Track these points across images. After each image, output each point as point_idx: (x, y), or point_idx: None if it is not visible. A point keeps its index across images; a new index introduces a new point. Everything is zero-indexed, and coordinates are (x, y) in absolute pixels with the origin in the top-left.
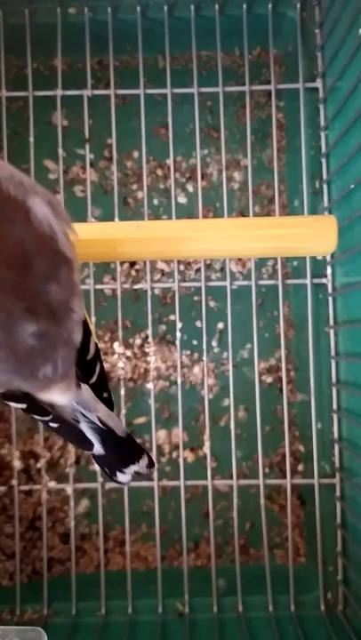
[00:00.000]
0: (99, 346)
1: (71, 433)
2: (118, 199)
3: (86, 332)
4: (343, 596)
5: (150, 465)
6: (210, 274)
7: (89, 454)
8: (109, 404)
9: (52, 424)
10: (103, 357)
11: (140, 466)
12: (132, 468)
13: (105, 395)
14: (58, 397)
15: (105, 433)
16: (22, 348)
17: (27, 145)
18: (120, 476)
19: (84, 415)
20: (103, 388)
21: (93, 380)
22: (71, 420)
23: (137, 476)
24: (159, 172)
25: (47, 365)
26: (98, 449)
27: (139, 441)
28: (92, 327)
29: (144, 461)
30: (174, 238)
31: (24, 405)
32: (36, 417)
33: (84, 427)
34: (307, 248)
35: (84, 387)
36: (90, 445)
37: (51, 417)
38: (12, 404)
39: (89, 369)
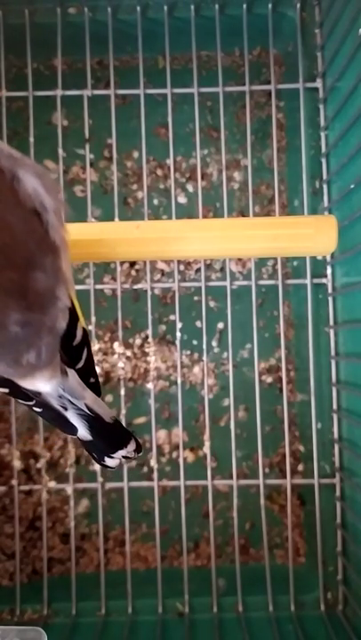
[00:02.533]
0: (87, 331)
1: (54, 417)
2: (118, 199)
3: (73, 318)
4: (343, 595)
5: (138, 450)
6: (210, 274)
7: (88, 455)
8: (96, 389)
9: (35, 409)
10: (103, 357)
11: (128, 450)
12: (120, 453)
13: (92, 380)
14: (42, 385)
15: (92, 419)
16: (6, 336)
17: (27, 145)
18: (108, 461)
19: (72, 402)
20: (90, 374)
21: (80, 365)
22: (58, 407)
23: (125, 459)
24: (159, 171)
25: (31, 352)
26: (85, 435)
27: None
28: (80, 312)
29: (132, 446)
30: (174, 238)
31: (6, 390)
32: (20, 401)
33: (71, 414)
34: (307, 248)
35: (71, 373)
36: (73, 430)
37: (34, 402)
38: None
39: (76, 354)
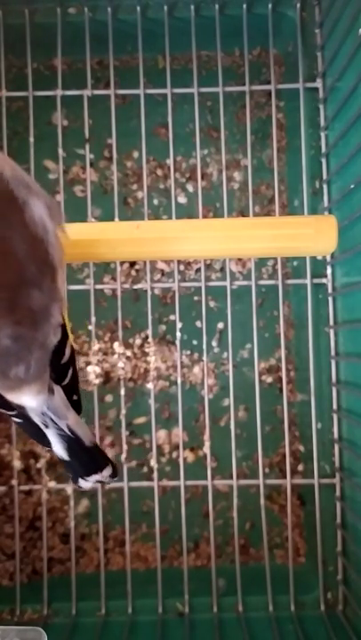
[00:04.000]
0: (74, 350)
1: (33, 432)
2: (118, 199)
3: (63, 336)
4: (343, 595)
5: (113, 475)
6: (210, 274)
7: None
8: (78, 407)
9: (15, 419)
10: (103, 357)
11: (103, 475)
12: (95, 478)
13: (75, 397)
14: (29, 400)
15: (72, 441)
16: None
17: (27, 145)
18: (82, 482)
19: (54, 421)
20: (74, 391)
21: (65, 382)
22: (39, 423)
23: (99, 483)
24: (159, 171)
25: (20, 366)
26: (62, 454)
27: (139, 441)
28: (69, 330)
29: (107, 472)
30: (174, 238)
31: None
32: (1, 410)
33: (50, 432)
34: (307, 248)
35: (57, 391)
36: (49, 443)
37: (15, 412)
38: None
39: (63, 371)
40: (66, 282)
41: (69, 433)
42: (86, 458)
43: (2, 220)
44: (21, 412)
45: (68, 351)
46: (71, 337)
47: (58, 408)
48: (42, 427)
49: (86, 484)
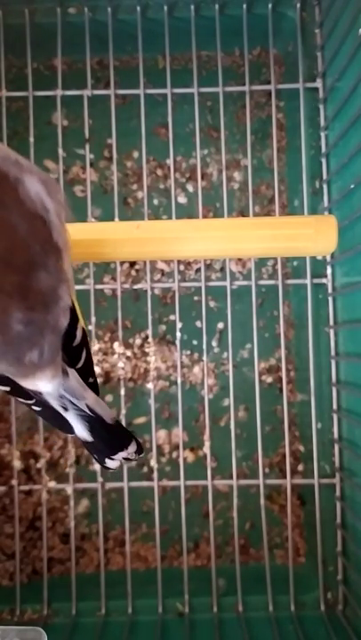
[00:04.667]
0: (86, 332)
1: (53, 417)
2: (118, 199)
3: (73, 318)
4: (343, 595)
5: (138, 451)
6: (210, 274)
7: (88, 453)
8: (95, 389)
9: (34, 407)
10: (103, 357)
11: (129, 452)
12: (121, 455)
13: (91, 380)
14: (44, 384)
15: (93, 420)
16: (9, 334)
17: (27, 145)
18: (109, 463)
19: (72, 403)
20: (89, 374)
21: (79, 365)
22: (58, 407)
23: (126, 461)
24: (159, 171)
25: (33, 351)
26: (86, 436)
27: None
28: (80, 313)
29: (132, 447)
30: (174, 238)
31: (7, 388)
32: (20, 400)
33: (71, 415)
34: (307, 248)
35: (72, 373)
36: (71, 429)
37: (34, 401)
38: None
39: (75, 354)
40: (72, 266)
41: (90, 412)
42: (110, 436)
43: None
44: (39, 398)
45: (79, 334)
46: (82, 320)
47: (75, 389)
48: (61, 411)
49: (113, 462)
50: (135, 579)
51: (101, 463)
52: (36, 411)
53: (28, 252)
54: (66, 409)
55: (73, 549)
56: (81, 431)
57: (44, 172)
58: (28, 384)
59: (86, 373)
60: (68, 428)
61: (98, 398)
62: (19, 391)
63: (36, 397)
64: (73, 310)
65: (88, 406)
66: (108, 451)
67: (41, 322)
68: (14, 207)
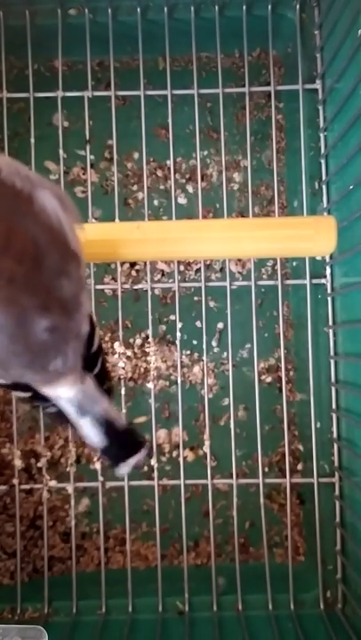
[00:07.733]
0: (101, 340)
1: (68, 421)
2: (119, 200)
3: (92, 325)
4: (342, 594)
5: (150, 454)
6: (210, 274)
7: (89, 453)
8: (109, 394)
9: (51, 409)
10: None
11: (142, 455)
12: (135, 459)
13: (105, 386)
14: (65, 391)
15: (107, 426)
16: (36, 343)
17: (27, 146)
18: (122, 467)
19: (88, 409)
20: (105, 379)
21: (96, 371)
22: (74, 412)
23: (137, 466)
24: (159, 172)
25: (58, 358)
26: (100, 442)
27: None
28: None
29: (144, 451)
30: (174, 239)
31: (29, 394)
32: (38, 403)
33: (86, 421)
34: (306, 248)
35: (89, 379)
36: (84, 434)
37: (51, 404)
38: (18, 394)
39: (93, 360)
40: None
41: (104, 419)
42: (123, 441)
43: (14, 213)
44: (57, 403)
45: (97, 340)
46: (97, 327)
47: (92, 395)
48: (76, 415)
49: (126, 467)
50: (135, 577)
51: (115, 468)
52: (50, 413)
53: (50, 260)
54: (81, 414)
55: (73, 548)
56: (95, 436)
57: (55, 186)
58: (50, 390)
59: (102, 379)
60: (81, 432)
61: (111, 404)
62: (38, 397)
63: (54, 402)
64: (91, 317)
65: (103, 412)
66: (123, 455)
67: (65, 329)
68: (32, 218)
